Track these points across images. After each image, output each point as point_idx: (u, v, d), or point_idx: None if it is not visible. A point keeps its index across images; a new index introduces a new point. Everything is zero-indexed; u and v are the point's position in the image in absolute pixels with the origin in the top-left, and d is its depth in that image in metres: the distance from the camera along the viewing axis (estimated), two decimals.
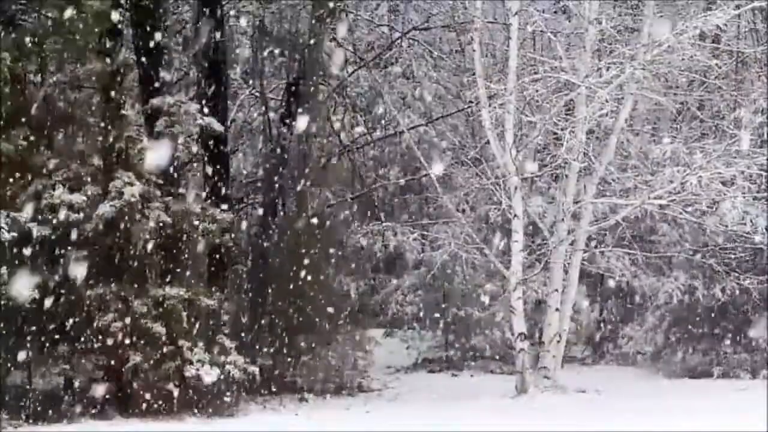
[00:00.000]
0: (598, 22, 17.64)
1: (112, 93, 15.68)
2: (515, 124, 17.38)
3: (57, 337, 14.92)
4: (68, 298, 14.97)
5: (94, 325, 15.00)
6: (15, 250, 14.63)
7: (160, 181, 16.00)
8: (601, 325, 23.87)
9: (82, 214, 15.00)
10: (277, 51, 20.77)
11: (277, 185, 19.15)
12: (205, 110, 17.32)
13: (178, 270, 15.75)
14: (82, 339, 15.05)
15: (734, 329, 20.53)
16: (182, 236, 15.80)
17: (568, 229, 17.81)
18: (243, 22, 21.47)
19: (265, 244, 18.57)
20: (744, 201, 16.93)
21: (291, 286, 18.03)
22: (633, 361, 22.29)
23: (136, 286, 15.21)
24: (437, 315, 22.91)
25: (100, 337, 14.98)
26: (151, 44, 17.52)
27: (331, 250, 19.14)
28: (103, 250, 15.26)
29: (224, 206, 17.61)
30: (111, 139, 15.59)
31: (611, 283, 22.96)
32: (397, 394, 18.71)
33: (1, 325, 14.58)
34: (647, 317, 21.79)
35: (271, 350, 18.07)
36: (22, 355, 14.70)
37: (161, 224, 15.46)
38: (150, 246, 15.36)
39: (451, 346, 23.22)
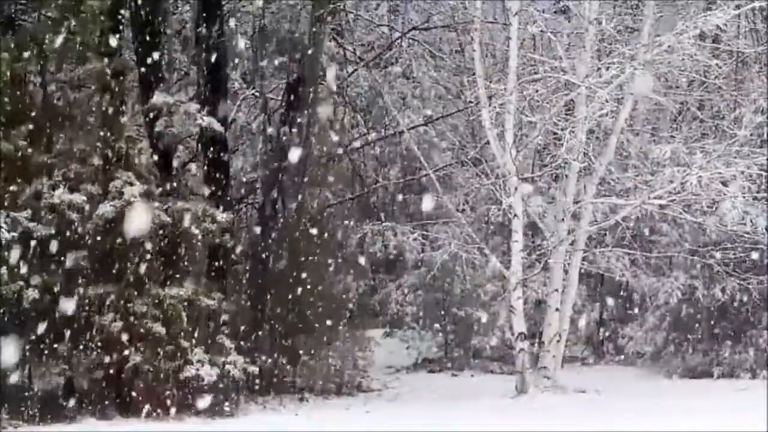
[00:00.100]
0: (598, 22, 17.64)
1: (112, 93, 15.67)
2: (515, 124, 17.38)
3: (57, 337, 14.91)
4: (68, 298, 14.96)
5: (94, 325, 15.00)
6: (15, 250, 14.63)
7: (160, 181, 16.01)
8: (601, 325, 23.88)
9: (82, 214, 15.00)
10: (277, 51, 20.75)
11: (277, 185, 19.13)
12: (205, 110, 17.32)
13: (178, 270, 15.75)
14: (82, 339, 15.04)
15: (734, 329, 20.53)
16: (182, 236, 15.78)
17: (568, 229, 17.82)
18: (243, 22, 21.48)
19: (264, 245, 18.56)
20: (744, 201, 16.92)
21: (291, 287, 18.02)
22: (633, 361, 22.29)
23: (136, 286, 15.20)
24: (437, 315, 22.91)
25: (100, 336, 14.98)
26: (151, 44, 17.51)
27: (331, 250, 19.13)
28: (103, 250, 15.26)
29: (224, 206, 17.63)
30: (111, 139, 15.59)
31: (611, 283, 22.98)
32: (397, 394, 18.72)
33: (2, 324, 14.58)
34: (647, 317, 21.79)
35: (271, 350, 18.07)
36: (22, 356, 14.71)
37: (161, 224, 15.46)
38: (150, 246, 15.35)
39: (451, 346, 23.23)
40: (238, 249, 18.67)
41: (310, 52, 19.31)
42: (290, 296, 18.05)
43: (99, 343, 15.03)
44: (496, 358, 22.23)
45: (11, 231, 14.56)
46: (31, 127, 15.32)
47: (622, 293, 23.26)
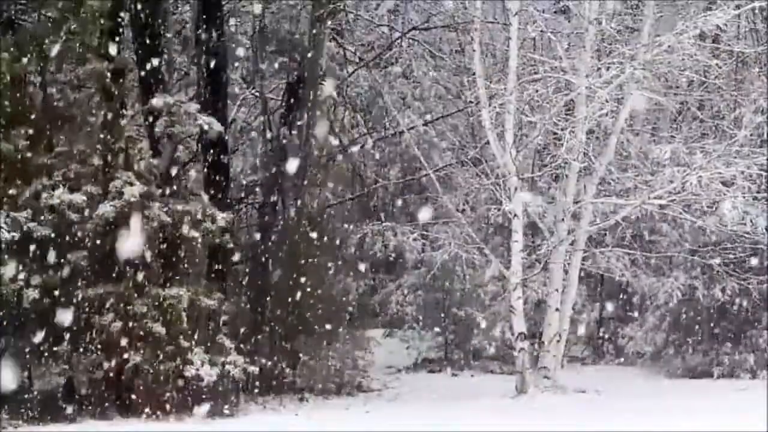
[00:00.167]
0: (598, 22, 17.64)
1: (112, 93, 15.67)
2: (515, 124, 17.38)
3: (57, 337, 14.91)
4: (68, 298, 14.97)
5: (94, 325, 15.00)
6: (15, 250, 14.63)
7: (160, 181, 16.01)
8: (601, 325, 23.88)
9: (82, 214, 15.00)
10: (277, 51, 20.76)
11: (277, 185, 19.13)
12: (205, 110, 17.33)
13: (179, 271, 15.74)
14: (82, 339, 15.04)
15: (734, 329, 20.53)
16: (182, 237, 15.78)
17: (568, 229, 17.82)
18: (243, 22, 21.48)
19: (264, 245, 18.56)
20: (744, 201, 16.92)
21: (291, 287, 18.02)
22: (633, 361, 22.29)
23: (136, 286, 15.20)
24: (437, 315, 22.91)
25: (100, 337, 14.98)
26: (151, 45, 17.52)
27: (331, 251, 19.14)
28: (104, 250, 15.26)
29: (224, 207, 17.63)
30: (111, 139, 15.59)
31: (611, 283, 22.97)
32: (397, 394, 18.71)
33: (2, 324, 14.59)
34: (647, 317, 21.79)
35: (271, 350, 18.08)
36: (22, 356, 14.72)
37: (161, 225, 15.46)
38: (150, 246, 15.35)
39: (451, 346, 23.23)
40: (238, 249, 18.67)
41: (310, 52, 19.32)
42: (290, 296, 18.04)
43: (99, 344, 15.03)
44: (496, 358, 22.22)
45: (11, 231, 14.56)
46: (31, 127, 15.32)
47: (622, 293, 23.26)
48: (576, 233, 17.98)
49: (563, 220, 17.72)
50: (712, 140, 18.42)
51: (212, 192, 18.27)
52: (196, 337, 15.38)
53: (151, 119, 16.47)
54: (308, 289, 18.06)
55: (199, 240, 16.00)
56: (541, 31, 18.80)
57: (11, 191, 15.01)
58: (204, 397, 15.21)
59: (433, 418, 15.03)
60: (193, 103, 17.30)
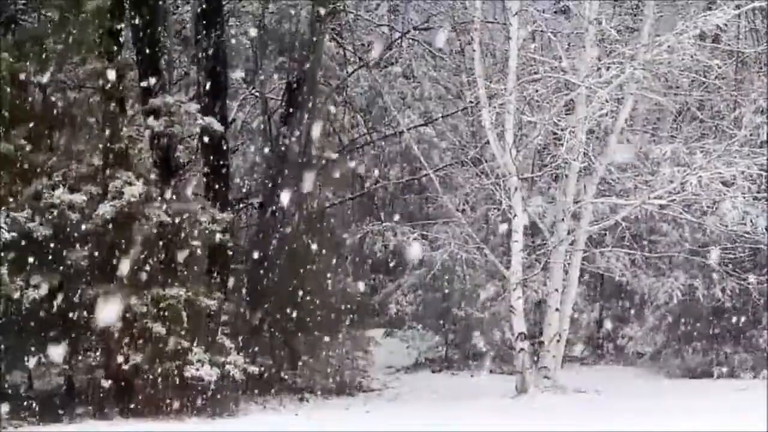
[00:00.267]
0: (598, 22, 17.63)
1: (112, 93, 15.67)
2: (515, 124, 17.38)
3: (57, 337, 14.92)
4: (68, 298, 14.97)
5: (94, 325, 15.01)
6: (15, 250, 14.63)
7: (160, 181, 16.02)
8: (601, 325, 23.87)
9: (82, 214, 15.00)
10: (277, 51, 20.76)
11: (276, 186, 19.13)
12: (205, 110, 17.32)
13: (178, 270, 15.74)
14: (82, 339, 15.04)
15: (734, 329, 20.52)
16: (182, 236, 15.78)
17: (568, 229, 17.81)
18: (243, 22, 21.49)
19: (264, 245, 18.55)
20: (744, 201, 16.91)
21: (291, 287, 18.03)
22: (633, 361, 22.29)
23: (136, 286, 15.20)
24: (437, 315, 22.91)
25: (100, 336, 14.98)
26: (151, 44, 17.51)
27: (331, 250, 19.13)
28: (103, 250, 15.25)
29: (224, 206, 17.63)
30: (111, 139, 15.59)
31: (611, 283, 22.96)
32: (397, 394, 18.72)
33: (2, 324, 14.59)
34: (647, 317, 21.78)
35: (271, 350, 18.09)
36: (22, 355, 14.73)
37: (161, 224, 15.46)
38: (150, 246, 15.36)
39: (451, 346, 23.23)
40: (238, 249, 18.67)
41: (310, 52, 19.32)
42: (290, 296, 18.05)
43: (99, 344, 15.02)
44: (496, 358, 22.21)
45: (11, 231, 14.56)
46: (31, 127, 15.32)
47: (622, 293, 23.25)
48: (576, 233, 17.98)
49: (563, 220, 17.72)
50: (712, 140, 18.40)
51: (212, 192, 18.30)
52: (196, 337, 15.38)
53: (151, 119, 16.46)
54: (308, 289, 18.07)
55: (199, 240, 16.00)
56: (541, 31, 18.80)
57: (11, 191, 15.00)
58: (204, 397, 15.21)
59: (433, 418, 15.03)
60: (193, 103, 17.30)
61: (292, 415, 15.82)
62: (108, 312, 14.71)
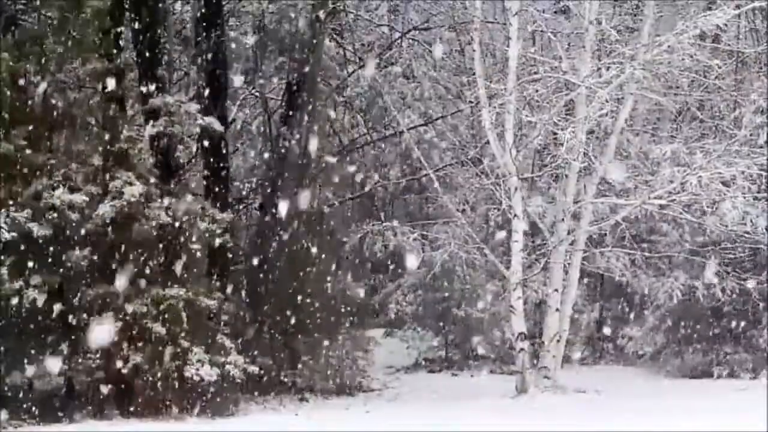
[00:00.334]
0: (598, 22, 17.64)
1: (112, 93, 15.68)
2: (515, 124, 17.38)
3: (57, 337, 14.92)
4: (68, 298, 14.97)
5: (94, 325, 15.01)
6: (15, 250, 14.63)
7: (160, 181, 16.02)
8: (601, 325, 23.87)
9: (82, 214, 15.00)
10: (277, 51, 20.76)
11: (277, 186, 19.13)
12: (205, 110, 17.32)
13: (178, 270, 15.74)
14: (82, 339, 15.04)
15: (734, 329, 20.52)
16: (182, 237, 15.78)
17: (568, 229, 17.81)
18: (243, 22, 21.49)
19: (264, 245, 18.55)
20: (744, 201, 16.91)
21: (291, 287, 18.03)
22: (633, 361, 22.29)
23: (136, 286, 15.20)
24: (437, 315, 22.91)
25: (100, 336, 14.97)
26: (151, 44, 17.52)
27: (331, 250, 19.13)
28: (103, 250, 15.26)
29: (224, 206, 17.63)
30: (111, 139, 15.59)
31: (611, 283, 22.96)
32: (397, 394, 18.72)
33: (1, 324, 14.59)
34: (647, 317, 21.78)
35: (271, 350, 18.08)
36: (22, 356, 14.73)
37: (161, 224, 15.46)
38: (150, 246, 15.36)
39: (451, 346, 23.23)
40: (238, 249, 18.66)
41: (310, 52, 19.31)
42: (290, 297, 18.05)
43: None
44: (496, 358, 22.22)
45: (11, 231, 14.56)
46: (31, 127, 15.32)
47: (622, 293, 23.25)
48: (576, 233, 17.98)
49: (563, 220, 17.72)
50: (712, 140, 18.42)
51: (212, 192, 18.30)
52: (196, 337, 15.38)
53: (151, 119, 16.46)
54: (308, 290, 18.07)
55: (199, 241, 16.00)
56: (541, 31, 18.80)
57: (11, 191, 15.00)
58: (204, 397, 15.21)
59: (433, 418, 15.03)
60: (193, 103, 17.30)
61: (292, 415, 15.82)
62: (101, 332, 14.73)
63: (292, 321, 18.12)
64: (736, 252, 19.69)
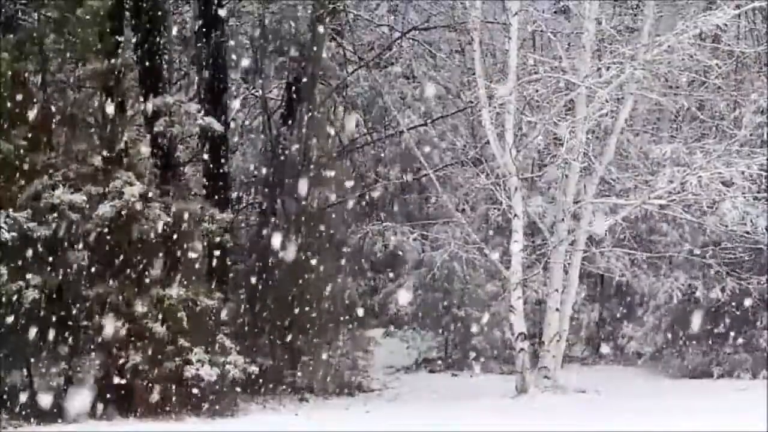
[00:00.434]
0: (598, 22, 17.64)
1: (112, 93, 15.68)
2: (515, 124, 17.38)
3: (57, 337, 14.91)
4: (68, 298, 14.97)
5: (94, 325, 15.00)
6: (15, 250, 14.63)
7: (160, 181, 16.02)
8: (601, 325, 23.87)
9: (82, 214, 15.00)
10: (277, 51, 20.76)
11: (277, 185, 19.13)
12: (205, 110, 17.32)
13: (178, 270, 15.74)
14: (82, 339, 15.04)
15: (734, 329, 20.51)
16: (182, 236, 15.78)
17: (568, 229, 17.81)
18: (243, 22, 21.49)
19: (264, 245, 18.54)
20: (744, 201, 16.91)
21: (291, 287, 18.02)
22: (633, 361, 22.28)
23: (136, 286, 15.20)
24: (437, 315, 22.90)
25: (100, 337, 14.98)
26: (151, 44, 17.52)
27: (331, 250, 19.13)
28: (103, 250, 15.26)
29: (224, 206, 17.62)
30: (111, 139, 15.58)
31: (611, 283, 22.95)
32: (397, 394, 18.72)
33: (2, 324, 14.58)
34: (647, 317, 21.77)
35: (271, 350, 18.08)
36: (22, 356, 14.74)
37: (161, 224, 15.45)
38: (150, 246, 15.36)
39: (451, 346, 23.22)
40: (238, 249, 18.65)
41: (310, 52, 19.32)
42: (290, 296, 18.05)
43: (99, 344, 15.02)
44: (496, 358, 22.21)
45: (11, 231, 14.56)
46: (31, 127, 15.32)
47: (622, 293, 23.24)
48: (576, 233, 17.98)
49: (563, 220, 17.72)
50: (712, 140, 18.42)
51: (212, 192, 18.30)
52: (196, 337, 15.37)
53: (151, 119, 16.46)
54: (308, 289, 18.06)
55: (199, 240, 16.00)
56: (541, 31, 18.79)
57: (11, 191, 15.00)
58: (204, 397, 15.20)
59: (433, 418, 15.03)
60: (193, 103, 17.31)
61: (292, 415, 15.82)
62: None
63: (292, 321, 18.12)
64: (736, 252, 19.67)
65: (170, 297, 15.19)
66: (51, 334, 14.85)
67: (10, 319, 14.60)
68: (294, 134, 19.18)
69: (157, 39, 17.61)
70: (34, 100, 15.70)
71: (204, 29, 18.75)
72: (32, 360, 14.98)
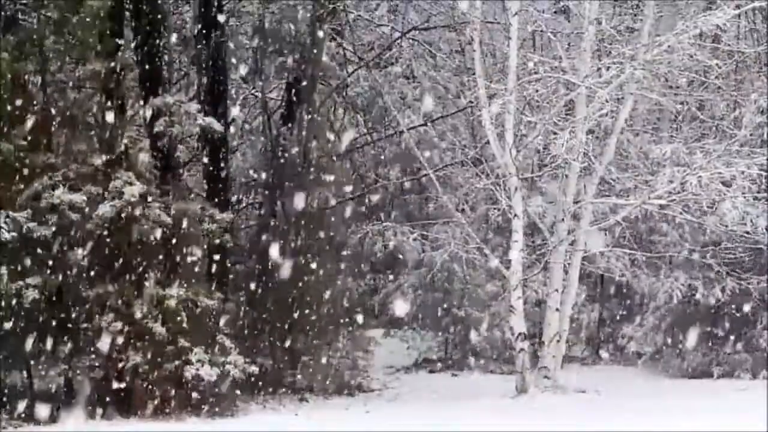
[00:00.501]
0: (598, 22, 17.64)
1: (112, 94, 15.68)
2: (515, 124, 17.38)
3: (57, 337, 14.92)
4: (68, 298, 14.97)
5: (94, 325, 15.00)
6: (15, 250, 14.64)
7: (160, 181, 16.02)
8: (601, 325, 23.87)
9: (82, 214, 15.00)
10: (277, 51, 20.76)
11: (277, 185, 19.13)
12: (205, 110, 17.32)
13: (178, 270, 15.74)
14: (82, 339, 15.04)
15: (734, 329, 20.51)
16: (182, 236, 15.78)
17: (568, 229, 17.81)
18: (243, 22, 21.48)
19: (264, 245, 18.55)
20: (744, 201, 16.91)
21: (291, 287, 18.02)
22: (633, 361, 22.28)
23: (136, 286, 15.20)
24: (437, 315, 22.90)
25: (100, 337, 14.98)
26: (151, 45, 17.52)
27: (331, 251, 19.13)
28: (103, 250, 15.25)
29: (224, 206, 17.63)
30: (111, 139, 15.59)
31: (611, 283, 22.95)
32: (397, 394, 18.72)
33: (1, 325, 14.59)
34: (647, 317, 21.77)
35: (271, 350, 18.08)
36: (22, 356, 14.73)
37: (161, 224, 15.45)
38: (150, 247, 15.36)
39: (451, 346, 23.22)
40: (238, 249, 18.65)
41: (310, 52, 19.32)
42: (290, 296, 18.05)
43: (99, 343, 15.02)
44: (496, 358, 22.21)
45: (11, 231, 14.56)
46: (31, 127, 15.32)
47: (622, 293, 23.24)
48: (576, 233, 17.98)
49: (563, 220, 17.72)
50: (712, 140, 18.42)
51: (212, 192, 18.30)
52: (196, 337, 15.37)
53: (151, 119, 16.46)
54: (308, 289, 18.05)
55: (199, 240, 16.00)
56: (541, 31, 18.79)
57: (11, 191, 15.00)
58: (204, 397, 15.20)
59: (433, 418, 15.03)
60: (193, 103, 17.30)
61: (292, 415, 15.82)
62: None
63: (292, 321, 18.12)
64: (736, 252, 19.67)
65: (170, 297, 15.19)
66: (51, 335, 14.84)
67: (10, 320, 14.59)
68: (294, 135, 19.18)
69: (157, 40, 17.60)
70: (34, 100, 15.71)
71: (204, 30, 18.75)
72: (32, 361, 14.98)
